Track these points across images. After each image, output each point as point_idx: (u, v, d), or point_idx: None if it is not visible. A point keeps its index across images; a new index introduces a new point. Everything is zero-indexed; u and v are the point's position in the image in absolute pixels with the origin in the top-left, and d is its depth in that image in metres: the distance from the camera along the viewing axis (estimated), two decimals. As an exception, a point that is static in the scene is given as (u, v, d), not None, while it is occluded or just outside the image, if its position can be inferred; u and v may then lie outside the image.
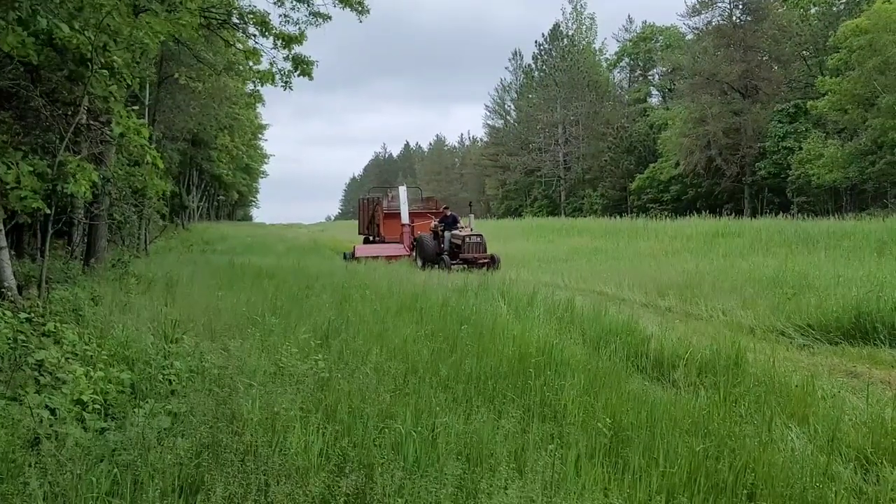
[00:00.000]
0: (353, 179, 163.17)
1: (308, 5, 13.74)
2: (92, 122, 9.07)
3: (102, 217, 11.17)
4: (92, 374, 4.63)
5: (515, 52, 75.46)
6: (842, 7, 42.05)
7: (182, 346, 5.84)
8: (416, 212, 22.15)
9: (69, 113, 7.85)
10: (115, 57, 6.94)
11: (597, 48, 67.49)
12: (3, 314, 5.49)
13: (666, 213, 39.11)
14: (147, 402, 4.35)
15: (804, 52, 44.02)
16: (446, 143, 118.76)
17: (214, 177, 52.66)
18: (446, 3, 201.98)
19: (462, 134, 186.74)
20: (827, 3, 43.51)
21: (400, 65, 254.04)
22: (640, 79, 65.12)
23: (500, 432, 4.07)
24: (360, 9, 13.78)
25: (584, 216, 48.12)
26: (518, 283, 12.04)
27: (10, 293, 6.66)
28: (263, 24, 13.27)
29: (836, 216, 25.07)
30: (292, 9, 13.70)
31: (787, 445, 4.31)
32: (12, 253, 8.20)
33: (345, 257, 20.53)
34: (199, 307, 7.81)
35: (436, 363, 5.57)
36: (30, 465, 3.34)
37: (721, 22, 46.17)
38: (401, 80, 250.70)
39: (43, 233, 10.40)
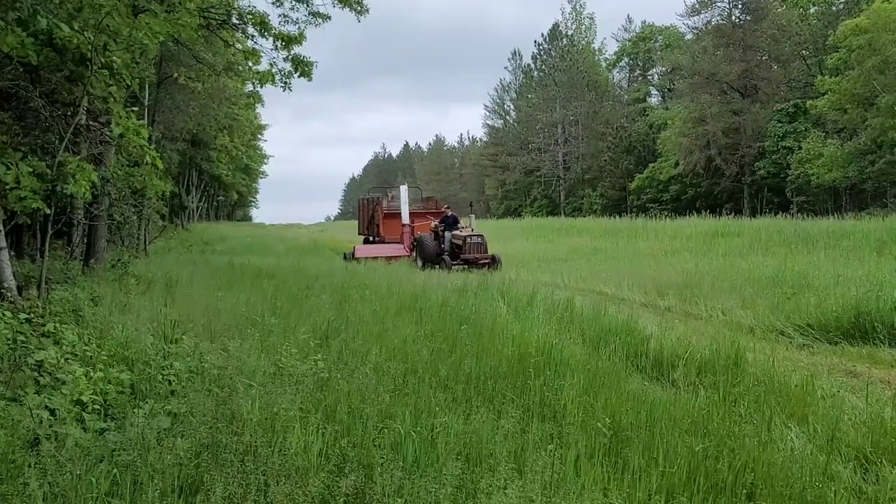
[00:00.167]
0: (353, 179, 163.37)
1: (307, 5, 13.72)
2: (91, 123, 9.07)
3: (102, 217, 11.16)
4: (92, 374, 4.63)
5: (515, 51, 75.57)
6: (841, 6, 42.06)
7: (182, 347, 5.83)
8: (416, 212, 22.14)
9: (69, 113, 7.85)
10: (114, 57, 6.94)
11: (596, 48, 67.55)
12: (3, 315, 5.48)
13: (665, 212, 39.08)
14: (147, 402, 4.35)
15: (804, 51, 44.05)
16: (446, 143, 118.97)
17: (214, 177, 52.68)
18: (445, 3, 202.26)
19: (461, 134, 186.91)
20: (826, 2, 43.53)
21: (399, 65, 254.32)
22: (640, 78, 65.14)
23: (499, 432, 4.07)
24: (359, 9, 13.76)
25: (584, 216, 48.14)
26: (517, 283, 12.05)
27: (9, 294, 6.66)
28: (263, 25, 13.25)
29: (836, 216, 25.07)
30: (291, 9, 13.68)
31: (786, 445, 4.31)
32: (12, 253, 8.19)
33: (345, 258, 20.52)
34: (199, 307, 7.80)
35: (435, 363, 5.57)
36: (29, 466, 3.34)
37: (720, 21, 46.21)
38: (400, 79, 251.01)
39: (42, 233, 10.39)
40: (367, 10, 13.87)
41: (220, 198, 65.12)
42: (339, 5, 13.63)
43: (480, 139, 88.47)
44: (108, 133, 8.82)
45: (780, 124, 39.91)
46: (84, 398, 4.26)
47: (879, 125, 30.72)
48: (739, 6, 45.50)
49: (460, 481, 3.35)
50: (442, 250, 18.29)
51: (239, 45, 14.12)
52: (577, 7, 65.19)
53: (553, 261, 19.87)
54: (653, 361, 6.72)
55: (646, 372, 6.51)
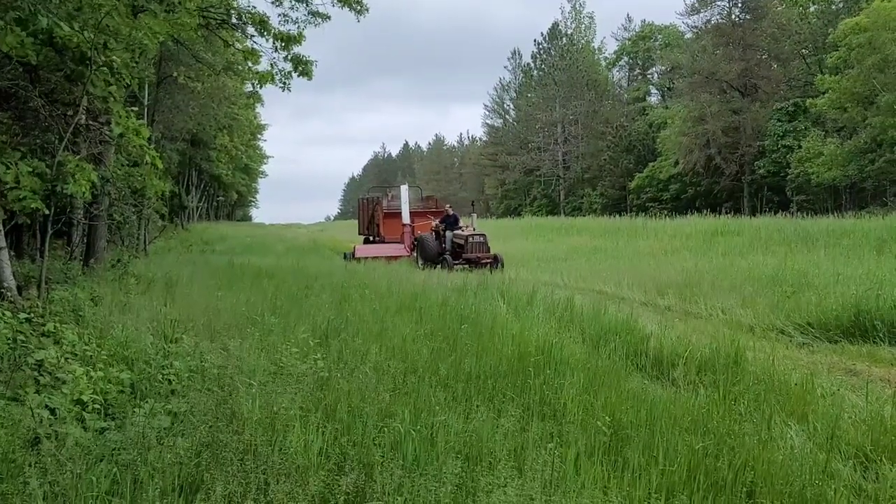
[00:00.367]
0: (353, 179, 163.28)
1: (307, 5, 13.70)
2: (91, 123, 9.06)
3: (102, 217, 11.16)
4: (92, 373, 4.63)
5: (514, 51, 75.48)
6: (841, 5, 42.05)
7: (182, 346, 5.84)
8: (416, 211, 22.12)
9: (68, 113, 7.85)
10: (114, 57, 6.93)
11: (596, 47, 67.52)
12: (3, 314, 5.48)
13: (665, 211, 39.11)
14: (147, 401, 4.35)
15: (803, 50, 44.04)
16: (445, 142, 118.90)
17: (214, 177, 52.67)
18: (445, 3, 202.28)
19: (461, 133, 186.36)
20: (826, 1, 43.52)
21: (399, 64, 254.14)
22: (640, 77, 65.13)
23: (499, 431, 4.07)
24: (358, 8, 13.75)
25: (584, 215, 48.11)
26: (517, 283, 12.05)
27: (9, 293, 6.65)
28: (262, 24, 13.24)
29: (836, 214, 25.08)
30: (291, 8, 13.67)
31: (786, 443, 4.31)
32: (12, 253, 8.19)
33: (345, 257, 20.51)
34: (199, 307, 7.81)
35: (435, 362, 5.57)
36: (30, 465, 3.34)
37: (720, 20, 46.23)
38: (400, 79, 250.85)
39: (42, 233, 10.39)
40: (367, 10, 13.86)
41: (220, 198, 65.13)
42: (339, 5, 13.61)
43: (480, 139, 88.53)
44: (107, 133, 8.82)
45: (780, 123, 39.91)
46: (84, 397, 4.26)
47: (879, 124, 30.72)
48: (739, 5, 45.51)
49: (460, 480, 3.35)
50: (443, 250, 18.26)
51: (238, 45, 14.11)
52: (577, 6, 65.22)
53: (553, 260, 19.88)
54: (653, 360, 6.72)
55: (646, 371, 6.51)
